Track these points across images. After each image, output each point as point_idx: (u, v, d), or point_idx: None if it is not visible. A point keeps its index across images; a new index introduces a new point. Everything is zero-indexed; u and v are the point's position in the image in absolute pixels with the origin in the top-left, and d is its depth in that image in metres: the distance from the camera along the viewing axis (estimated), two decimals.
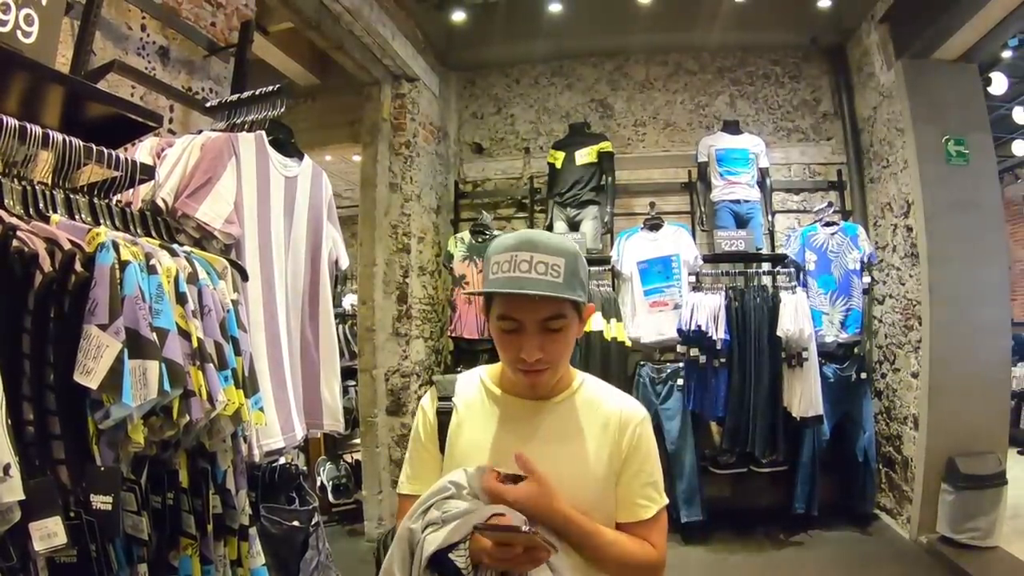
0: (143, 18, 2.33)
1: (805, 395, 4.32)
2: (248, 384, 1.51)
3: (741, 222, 5.05)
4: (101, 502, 1.14)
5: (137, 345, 1.18)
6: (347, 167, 7.76)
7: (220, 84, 2.68)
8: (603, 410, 1.35)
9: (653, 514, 1.31)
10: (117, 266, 1.20)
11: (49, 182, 1.35)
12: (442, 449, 1.37)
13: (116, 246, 1.22)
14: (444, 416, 1.39)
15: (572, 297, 1.21)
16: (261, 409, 1.60)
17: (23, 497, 1.02)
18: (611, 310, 4.67)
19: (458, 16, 4.98)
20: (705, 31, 5.39)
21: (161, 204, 1.67)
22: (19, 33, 1.41)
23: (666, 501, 1.35)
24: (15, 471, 1.01)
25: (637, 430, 1.33)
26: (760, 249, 4.96)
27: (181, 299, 1.34)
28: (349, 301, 6.52)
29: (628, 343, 4.72)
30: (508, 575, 1.15)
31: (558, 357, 1.28)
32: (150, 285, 1.26)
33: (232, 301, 1.53)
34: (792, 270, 4.70)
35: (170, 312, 1.29)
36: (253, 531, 1.57)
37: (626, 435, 1.32)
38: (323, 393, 2.19)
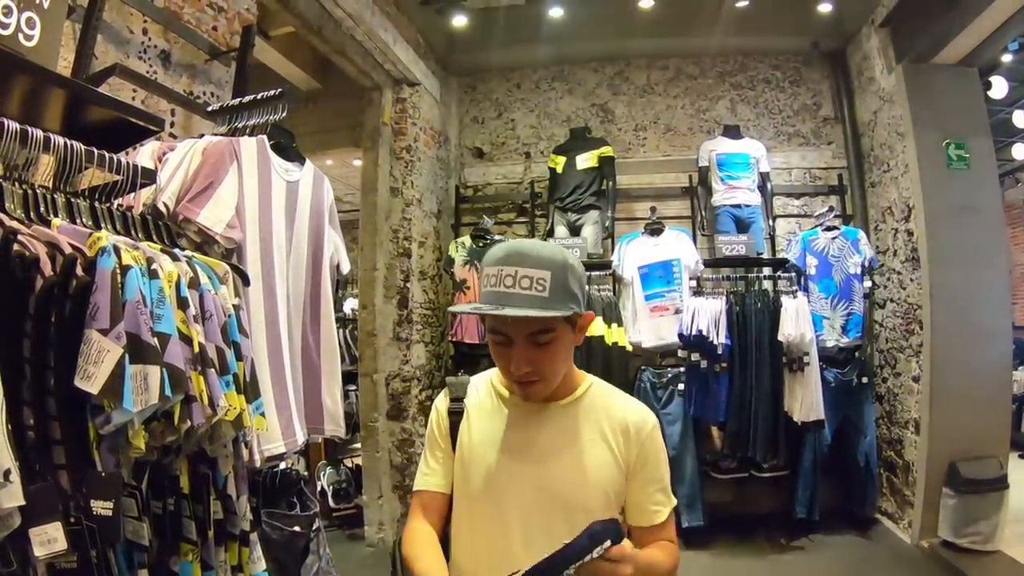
0: (145, 22, 2.33)
1: (806, 400, 4.31)
2: (249, 389, 1.51)
3: (742, 227, 5.05)
4: (102, 508, 1.14)
5: (138, 350, 1.17)
6: (348, 171, 7.77)
7: (221, 88, 2.68)
8: (612, 415, 1.37)
9: (665, 517, 1.36)
10: (118, 270, 1.19)
11: (50, 186, 1.35)
12: (454, 448, 1.42)
13: (117, 250, 1.21)
14: (455, 416, 1.44)
15: (553, 314, 1.21)
16: (262, 414, 1.59)
17: (23, 503, 1.01)
18: (612, 315, 4.66)
19: (459, 21, 4.98)
20: (706, 36, 5.40)
21: (162, 208, 1.66)
22: (21, 36, 1.41)
23: (675, 502, 1.39)
24: (15, 476, 1.00)
25: (649, 437, 1.36)
26: (761, 254, 4.96)
27: (182, 304, 1.33)
28: (350, 305, 6.52)
29: (629, 348, 4.71)
30: None
31: (549, 369, 1.30)
32: (151, 290, 1.25)
33: (233, 306, 1.53)
34: (793, 274, 4.69)
35: (171, 317, 1.28)
36: (254, 536, 1.56)
37: (637, 442, 1.35)
38: (324, 398, 2.18)
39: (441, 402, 1.48)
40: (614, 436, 1.35)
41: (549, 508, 1.31)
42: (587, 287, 1.39)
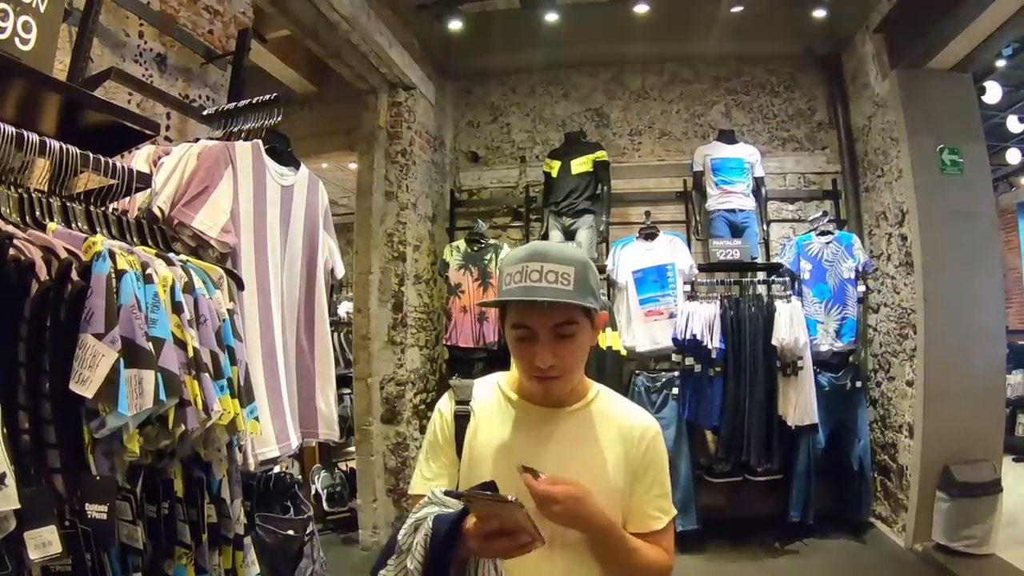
0: (141, 25, 2.33)
1: (800, 404, 4.32)
2: (243, 393, 1.51)
3: (736, 231, 5.06)
4: (96, 511, 1.13)
5: (133, 354, 1.17)
6: (343, 175, 7.77)
7: (217, 92, 2.68)
8: (618, 422, 1.39)
9: (663, 525, 1.36)
10: (113, 275, 1.19)
11: (46, 190, 1.35)
12: (459, 452, 1.40)
13: (112, 255, 1.21)
14: (461, 419, 1.41)
15: (581, 303, 1.23)
16: (256, 418, 1.59)
17: (18, 506, 1.01)
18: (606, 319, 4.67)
19: (455, 25, 4.99)
20: (701, 41, 5.43)
21: (157, 212, 1.67)
22: (17, 40, 1.41)
23: (675, 512, 1.39)
24: (10, 480, 1.00)
25: (652, 444, 1.37)
26: (755, 258, 4.97)
27: (177, 308, 1.33)
28: (344, 309, 6.52)
29: (623, 352, 4.71)
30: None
31: (571, 363, 1.31)
32: (146, 294, 1.26)
33: (228, 310, 1.53)
34: (787, 279, 4.71)
35: (166, 321, 1.28)
36: (248, 540, 1.56)
37: (641, 449, 1.36)
38: (318, 402, 2.18)
39: (445, 406, 1.45)
40: (621, 442, 1.36)
41: None
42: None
